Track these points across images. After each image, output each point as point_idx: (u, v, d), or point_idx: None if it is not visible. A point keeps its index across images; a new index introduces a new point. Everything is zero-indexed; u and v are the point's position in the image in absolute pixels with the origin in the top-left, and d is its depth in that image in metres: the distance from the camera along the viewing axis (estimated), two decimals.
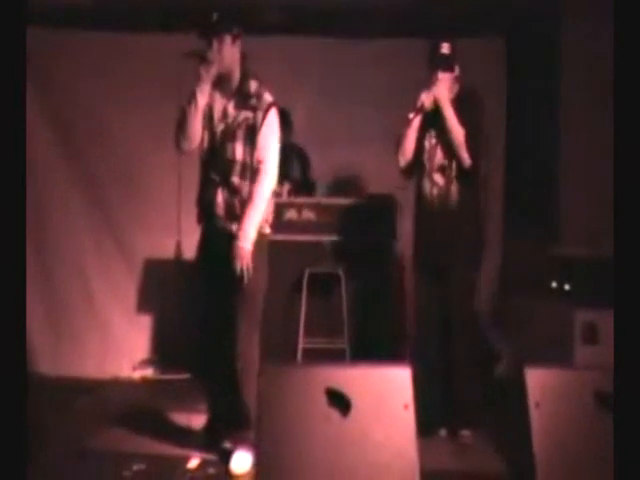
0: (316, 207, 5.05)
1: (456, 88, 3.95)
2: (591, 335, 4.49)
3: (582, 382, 2.54)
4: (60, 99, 5.79)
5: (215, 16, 3.51)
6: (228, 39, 3.53)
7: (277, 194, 5.00)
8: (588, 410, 2.47)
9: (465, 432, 3.94)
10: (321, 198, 5.23)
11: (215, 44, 3.49)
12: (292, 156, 5.38)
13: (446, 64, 3.87)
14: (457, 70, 3.93)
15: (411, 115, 3.90)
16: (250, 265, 3.45)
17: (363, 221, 5.05)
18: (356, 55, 5.83)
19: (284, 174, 5.17)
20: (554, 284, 5.11)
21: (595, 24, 5.12)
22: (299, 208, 5.06)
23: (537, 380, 2.49)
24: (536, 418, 2.44)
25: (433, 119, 3.93)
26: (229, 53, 3.53)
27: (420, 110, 3.89)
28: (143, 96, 5.66)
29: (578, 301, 4.71)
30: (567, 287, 4.99)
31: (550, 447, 2.43)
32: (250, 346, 3.51)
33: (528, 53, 5.84)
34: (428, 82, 3.87)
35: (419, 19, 5.65)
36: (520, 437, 2.49)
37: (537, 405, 2.45)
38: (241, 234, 3.46)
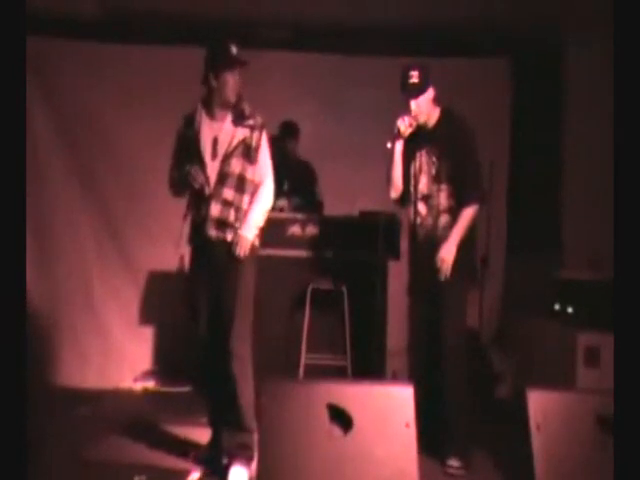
0: (319, 223, 5.06)
1: (437, 112, 3.90)
2: (593, 358, 4.49)
3: (584, 406, 2.55)
4: (67, 111, 5.83)
5: (234, 49, 3.50)
6: (238, 69, 3.54)
7: (281, 209, 5.05)
8: (590, 434, 2.47)
9: (453, 462, 3.71)
10: (324, 214, 5.23)
11: (229, 76, 3.51)
12: (300, 172, 5.39)
13: (415, 93, 3.81)
14: (432, 92, 3.86)
15: (389, 144, 3.90)
16: (247, 254, 3.55)
17: (366, 238, 5.03)
18: (358, 71, 5.88)
19: (290, 189, 5.19)
20: (557, 306, 5.11)
21: (597, 47, 5.17)
22: (303, 223, 5.05)
23: (539, 403, 2.49)
24: (537, 441, 2.45)
25: (415, 146, 3.91)
26: (237, 82, 3.55)
27: (397, 137, 3.88)
28: (149, 109, 5.71)
29: (581, 324, 4.71)
30: (570, 310, 4.99)
31: (551, 470, 2.42)
32: (244, 349, 3.55)
33: (532, 77, 5.91)
34: (403, 108, 3.84)
35: (421, 38, 5.73)
36: (521, 459, 2.49)
37: (538, 428, 2.45)
38: (244, 225, 3.56)
